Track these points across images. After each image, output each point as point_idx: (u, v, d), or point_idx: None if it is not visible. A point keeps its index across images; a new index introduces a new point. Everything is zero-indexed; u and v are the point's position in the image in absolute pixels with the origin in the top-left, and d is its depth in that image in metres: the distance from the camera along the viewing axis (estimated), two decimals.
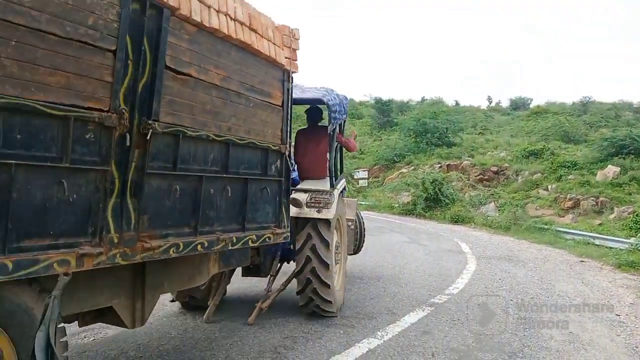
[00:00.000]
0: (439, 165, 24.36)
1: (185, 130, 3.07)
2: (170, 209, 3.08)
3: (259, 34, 3.74)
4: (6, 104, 2.09)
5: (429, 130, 27.29)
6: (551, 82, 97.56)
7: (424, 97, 45.32)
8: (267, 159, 4.02)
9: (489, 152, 25.75)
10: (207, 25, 3.17)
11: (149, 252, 2.85)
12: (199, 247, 3.25)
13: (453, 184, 21.62)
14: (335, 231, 5.54)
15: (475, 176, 22.69)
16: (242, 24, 3.52)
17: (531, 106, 39.91)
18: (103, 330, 4.81)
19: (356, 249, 7.12)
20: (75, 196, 2.44)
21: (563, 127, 27.31)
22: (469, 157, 24.91)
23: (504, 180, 21.93)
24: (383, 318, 5.50)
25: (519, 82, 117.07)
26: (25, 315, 2.38)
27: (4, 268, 2.10)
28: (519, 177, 21.34)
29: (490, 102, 45.05)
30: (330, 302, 5.18)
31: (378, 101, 37.63)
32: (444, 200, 19.48)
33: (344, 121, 6.41)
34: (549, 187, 19.43)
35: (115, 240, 2.64)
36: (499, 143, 27.59)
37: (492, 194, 20.38)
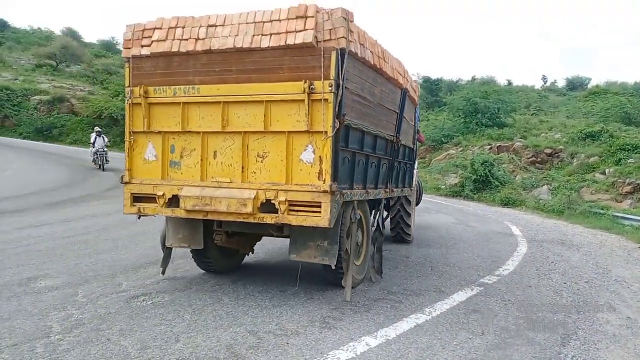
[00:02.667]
0: (489, 146, 23.68)
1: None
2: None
3: (398, 72, 6.10)
4: (375, 132, 5.52)
5: (480, 110, 26.50)
6: (612, 61, 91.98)
7: (474, 76, 43.98)
8: (398, 148, 6.65)
9: (542, 134, 24.76)
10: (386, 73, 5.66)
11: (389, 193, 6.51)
12: (382, 192, 6.21)
13: (504, 165, 21.01)
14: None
15: (528, 158, 21.92)
16: (394, 69, 5.87)
17: (589, 86, 37.91)
18: (160, 295, 5.05)
19: (417, 202, 10.11)
20: (391, 167, 6.46)
21: (624, 108, 25.88)
22: (521, 138, 24.06)
23: (558, 163, 21.07)
24: (430, 295, 5.48)
25: (577, 61, 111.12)
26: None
27: (364, 194, 5.41)
28: (574, 160, 20.44)
29: (545, 82, 43.18)
30: (409, 233, 8.75)
31: (426, 80, 36.80)
32: (494, 183, 18.99)
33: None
34: (607, 170, 18.51)
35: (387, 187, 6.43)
36: (554, 124, 26.46)
37: (545, 177, 19.66)
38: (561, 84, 41.77)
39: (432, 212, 13.90)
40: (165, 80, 4.95)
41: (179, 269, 6.17)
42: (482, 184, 19.15)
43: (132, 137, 5.18)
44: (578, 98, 34.31)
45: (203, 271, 6.05)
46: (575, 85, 39.71)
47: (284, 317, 4.49)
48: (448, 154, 25.23)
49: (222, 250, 5.85)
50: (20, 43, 51.72)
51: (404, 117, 6.71)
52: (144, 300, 4.85)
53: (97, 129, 21.52)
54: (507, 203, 17.30)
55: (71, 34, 56.03)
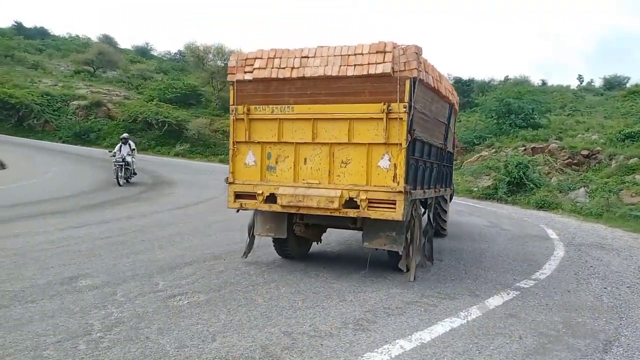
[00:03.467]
0: (524, 147, 23.12)
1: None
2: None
3: (448, 90, 7.24)
4: (431, 142, 6.71)
5: (513, 111, 25.93)
6: None
7: (507, 76, 43.03)
8: (446, 154, 7.94)
9: (579, 135, 24.02)
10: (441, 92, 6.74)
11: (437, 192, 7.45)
12: (433, 192, 7.07)
13: (539, 167, 20.48)
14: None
15: (564, 160, 21.30)
16: (446, 88, 7.02)
17: (628, 85, 36.58)
18: (196, 294, 5.14)
19: (450, 200, 10.47)
20: (439, 171, 7.51)
21: None
22: (556, 139, 23.40)
23: (595, 165, 20.38)
24: (465, 299, 5.40)
25: (614, 60, 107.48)
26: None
27: (422, 193, 6.37)
28: (613, 162, 19.73)
29: (581, 82, 41.90)
30: (445, 228, 9.66)
31: (458, 81, 36.27)
32: (529, 185, 18.54)
33: None
34: None
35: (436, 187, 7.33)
36: (591, 125, 25.64)
37: (582, 179, 19.06)
38: (598, 83, 40.47)
39: (465, 215, 13.68)
40: (265, 100, 6.08)
41: (213, 269, 6.27)
42: (516, 186, 18.72)
43: (235, 146, 6.30)
44: (616, 98, 33.13)
45: (236, 272, 6.14)
46: (613, 84, 38.37)
47: (318, 319, 4.50)
48: (480, 155, 24.77)
49: (298, 239, 6.96)
50: (59, 50, 53.69)
51: (449, 127, 8.05)
52: (180, 300, 4.95)
53: (124, 135, 17.97)
54: (542, 206, 16.87)
55: (107, 40, 57.79)
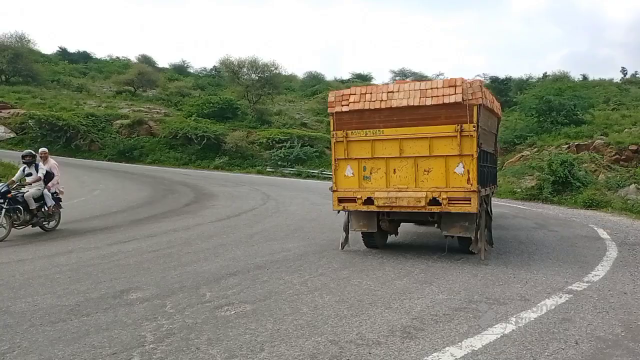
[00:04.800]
0: (567, 145, 22.36)
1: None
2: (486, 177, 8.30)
3: (497, 107, 8.99)
4: (487, 150, 8.55)
5: (554, 108, 25.14)
6: None
7: (545, 73, 41.85)
8: (494, 158, 9.44)
9: (626, 129, 23.03)
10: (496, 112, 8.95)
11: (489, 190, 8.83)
12: (488, 190, 8.37)
13: (585, 165, 19.73)
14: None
15: (611, 156, 20.47)
16: (496, 107, 9.02)
17: None
18: (242, 305, 5.21)
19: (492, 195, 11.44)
20: (490, 172, 9.19)
21: None
22: (602, 135, 22.52)
23: None
24: (515, 304, 5.24)
25: None
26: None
27: (484, 191, 7.66)
28: None
29: (625, 75, 40.19)
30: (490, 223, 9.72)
31: (494, 80, 35.53)
32: (575, 184, 17.86)
33: None
34: None
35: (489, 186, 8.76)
36: (638, 118, 24.54)
37: (632, 175, 18.23)
38: None
39: (509, 217, 13.32)
40: (359, 126, 7.75)
41: (257, 279, 6.34)
42: (561, 186, 18.07)
43: (336, 162, 7.98)
44: None
45: (280, 282, 6.19)
46: None
47: (364, 327, 4.48)
48: (522, 155, 24.11)
49: (382, 232, 8.41)
50: (101, 72, 55.97)
51: (496, 135, 10.01)
52: (227, 310, 5.02)
53: (25, 152, 11.13)
54: (590, 205, 16.21)
55: (146, 60, 59.88)
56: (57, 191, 11.20)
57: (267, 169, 33.78)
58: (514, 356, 3.81)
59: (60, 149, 34.63)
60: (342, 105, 7.80)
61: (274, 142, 35.93)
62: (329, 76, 71.11)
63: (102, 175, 25.61)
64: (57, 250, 8.50)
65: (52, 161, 11.28)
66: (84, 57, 62.37)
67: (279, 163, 34.05)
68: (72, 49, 62.33)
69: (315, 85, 58.21)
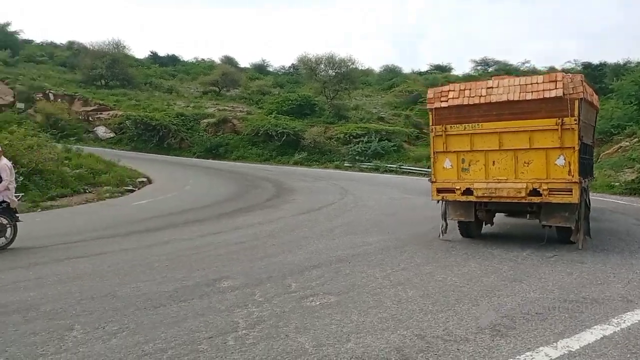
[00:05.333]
0: None
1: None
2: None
3: (595, 99, 8.96)
4: (586, 142, 8.54)
5: None
6: None
7: None
8: (592, 149, 9.31)
9: None
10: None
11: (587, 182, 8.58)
12: (587, 181, 8.35)
13: None
14: None
15: None
16: (595, 99, 8.98)
17: None
18: (327, 296, 5.33)
19: None
20: (589, 163, 9.09)
21: None
22: None
23: None
24: (616, 304, 4.89)
25: None
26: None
27: (583, 182, 7.77)
28: None
29: None
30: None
31: (587, 66, 33.02)
32: None
33: None
34: None
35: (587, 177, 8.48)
36: None
37: None
38: None
39: (606, 213, 12.37)
40: (458, 121, 8.04)
41: (339, 272, 6.44)
42: None
43: (435, 155, 8.31)
44: None
45: (362, 275, 6.24)
46: None
47: (451, 323, 4.40)
48: (620, 146, 22.27)
49: (478, 222, 8.73)
50: (189, 74, 59.11)
51: (594, 127, 9.94)
52: (312, 301, 5.16)
53: None
54: None
55: (229, 61, 62.37)
56: (8, 199, 8.62)
57: (345, 164, 33.97)
58: (616, 359, 3.57)
59: (154, 147, 37.17)
60: (441, 102, 8.13)
61: (351, 137, 36.04)
62: (406, 68, 69.94)
63: (192, 171, 27.14)
64: (155, 241, 9.18)
65: (4, 161, 8.74)
66: (173, 60, 66.17)
67: (357, 158, 34.11)
68: (162, 52, 66.43)
69: (392, 78, 57.47)
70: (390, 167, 32.08)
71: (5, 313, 4.93)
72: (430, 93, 8.38)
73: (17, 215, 8.95)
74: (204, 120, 40.50)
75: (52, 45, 62.98)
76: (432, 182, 8.36)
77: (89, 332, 4.36)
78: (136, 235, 9.95)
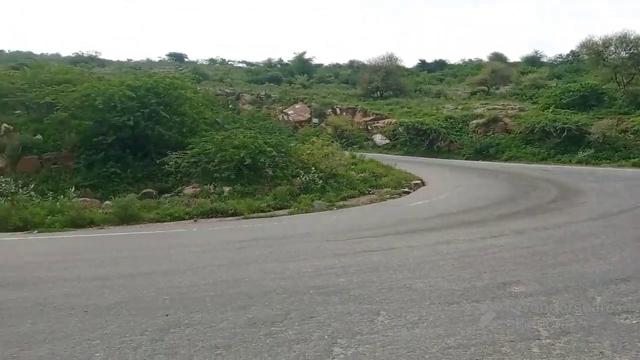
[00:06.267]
0: None
1: None
2: None
3: None
4: None
5: None
6: None
7: None
8: None
9: None
10: None
11: None
12: None
13: None
14: None
15: None
16: None
17: None
18: None
19: None
20: None
21: None
22: None
23: None
24: None
25: None
26: None
27: None
28: None
29: None
30: None
31: None
32: None
33: None
34: None
35: None
36: None
37: None
38: None
39: None
40: None
41: None
42: None
43: None
44: None
45: None
46: None
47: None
48: None
49: None
50: (456, 77, 59.21)
51: None
52: (627, 319, 4.53)
53: None
54: None
55: (497, 58, 59.86)
56: None
57: None
58: None
59: (424, 151, 38.53)
60: None
61: None
62: None
63: (462, 172, 27.06)
64: (438, 239, 9.51)
65: None
66: (440, 65, 67.34)
67: None
68: (429, 59, 68.42)
69: None
70: None
71: (325, 294, 5.89)
72: None
73: None
74: (473, 121, 39.80)
75: (337, 66, 72.05)
76: None
77: (393, 319, 4.84)
78: (418, 234, 10.50)
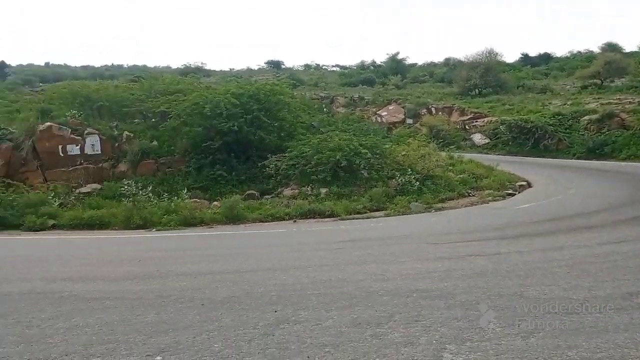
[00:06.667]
0: None
1: None
2: None
3: None
4: None
5: None
6: None
7: None
8: None
9: None
10: None
11: None
12: None
13: None
14: None
15: None
16: None
17: None
18: None
19: None
20: None
21: None
22: None
23: None
24: None
25: None
26: None
27: None
28: None
29: None
30: None
31: None
32: None
33: None
34: None
35: None
36: None
37: None
38: None
39: None
40: None
41: None
42: None
43: None
44: None
45: None
46: None
47: None
48: None
49: None
50: (563, 70, 55.00)
51: None
52: None
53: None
54: None
55: (611, 48, 54.67)
56: None
57: None
58: None
59: (529, 150, 36.20)
60: None
61: None
62: None
63: (573, 173, 25.06)
64: (549, 245, 8.92)
65: None
66: (545, 59, 63.01)
67: None
68: (532, 53, 64.30)
69: None
70: None
71: (429, 297, 5.77)
72: None
73: None
74: (584, 118, 36.62)
75: (432, 65, 70.37)
76: None
77: (504, 327, 4.61)
78: (526, 239, 9.91)
